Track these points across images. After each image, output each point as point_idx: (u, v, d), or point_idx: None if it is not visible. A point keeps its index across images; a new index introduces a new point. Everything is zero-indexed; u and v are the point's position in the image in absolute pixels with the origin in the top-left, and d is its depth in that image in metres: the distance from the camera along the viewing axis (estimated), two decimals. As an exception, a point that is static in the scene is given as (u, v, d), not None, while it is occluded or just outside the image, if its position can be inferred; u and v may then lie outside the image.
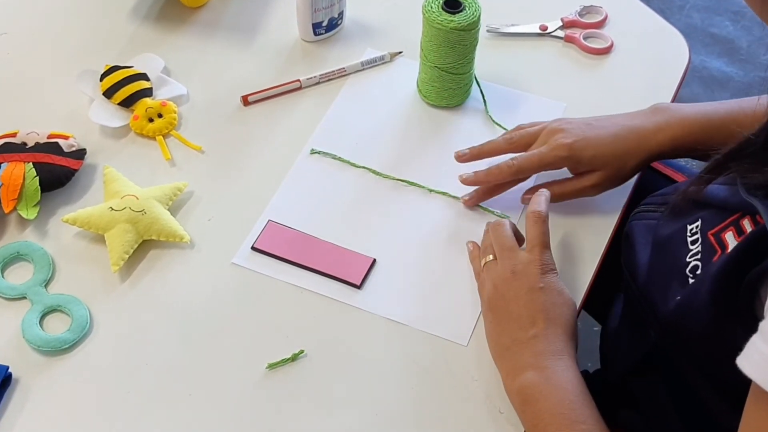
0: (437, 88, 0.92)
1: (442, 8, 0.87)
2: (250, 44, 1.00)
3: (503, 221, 0.77)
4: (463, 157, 0.84)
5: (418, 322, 0.76)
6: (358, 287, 0.78)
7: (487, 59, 0.96)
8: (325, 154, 0.89)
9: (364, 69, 0.98)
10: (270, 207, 0.84)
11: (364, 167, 0.88)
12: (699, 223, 0.67)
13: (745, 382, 0.54)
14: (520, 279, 0.71)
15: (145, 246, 0.80)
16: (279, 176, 0.87)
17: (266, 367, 0.73)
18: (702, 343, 0.62)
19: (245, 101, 0.93)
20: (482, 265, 0.75)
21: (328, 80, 0.96)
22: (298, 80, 0.95)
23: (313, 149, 0.89)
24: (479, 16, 0.87)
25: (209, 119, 0.92)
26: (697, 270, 0.64)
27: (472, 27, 0.87)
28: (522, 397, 0.68)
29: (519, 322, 0.70)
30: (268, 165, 0.88)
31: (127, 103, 0.90)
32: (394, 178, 0.87)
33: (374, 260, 0.80)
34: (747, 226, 0.62)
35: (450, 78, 0.91)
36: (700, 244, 0.66)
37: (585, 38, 1.01)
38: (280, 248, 0.80)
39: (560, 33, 1.02)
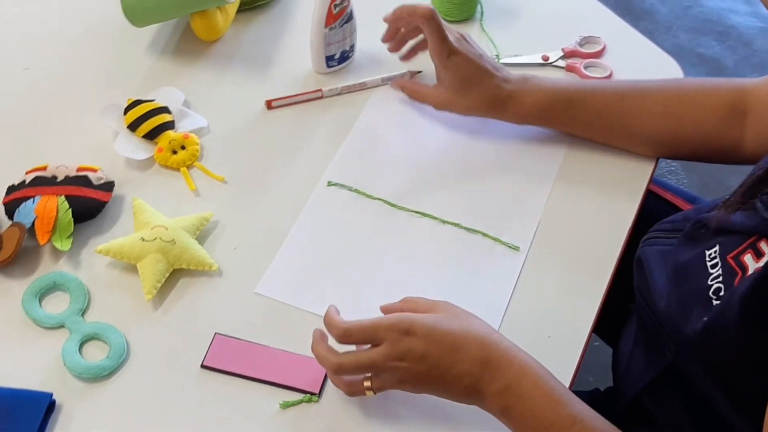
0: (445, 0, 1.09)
1: None
2: (265, 76, 1.04)
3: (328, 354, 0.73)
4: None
5: None
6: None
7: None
8: (342, 186, 0.93)
9: (384, 84, 1.03)
10: (289, 239, 0.88)
11: (379, 199, 0.92)
12: (717, 248, 0.71)
13: (763, 395, 0.59)
14: (425, 356, 0.69)
15: (176, 274, 0.84)
16: (298, 206, 0.91)
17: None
18: (729, 359, 0.66)
19: (269, 105, 1.00)
20: (369, 385, 0.72)
21: (349, 92, 1.02)
22: (320, 90, 1.01)
23: (330, 181, 0.93)
24: None
25: (230, 150, 0.96)
26: (720, 292, 0.68)
27: None
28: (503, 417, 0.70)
29: (459, 370, 0.69)
30: (288, 195, 0.92)
31: (151, 135, 0.94)
32: (408, 210, 0.91)
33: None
34: (764, 247, 0.66)
35: None
36: (720, 267, 0.69)
37: (585, 67, 1.06)
38: (230, 363, 0.78)
39: (561, 63, 1.07)
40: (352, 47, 1.05)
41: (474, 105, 0.94)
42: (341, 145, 0.97)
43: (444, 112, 0.97)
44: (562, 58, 1.08)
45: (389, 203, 0.91)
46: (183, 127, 0.96)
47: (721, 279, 0.68)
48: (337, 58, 1.04)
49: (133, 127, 0.94)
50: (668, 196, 1.00)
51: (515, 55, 1.07)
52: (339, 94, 1.02)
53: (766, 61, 2.22)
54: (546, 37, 1.09)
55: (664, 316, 0.74)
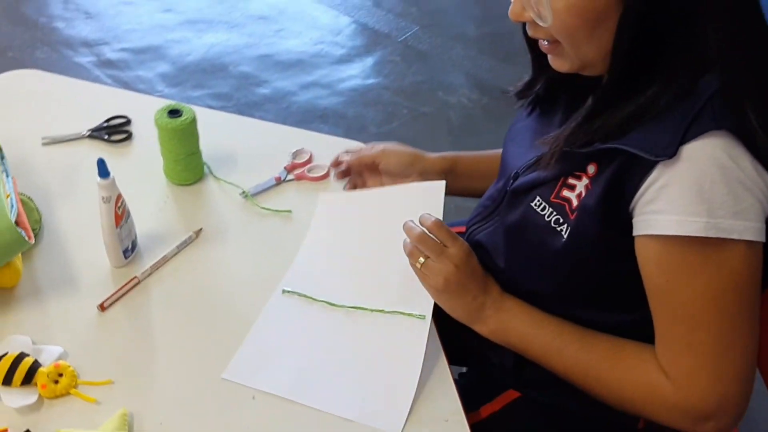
0: (179, 170, 1.32)
1: (167, 116, 1.28)
2: (77, 288, 1.17)
3: (415, 227, 1.05)
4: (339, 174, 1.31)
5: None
6: None
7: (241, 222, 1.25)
8: (293, 293, 1.11)
9: (179, 251, 1.23)
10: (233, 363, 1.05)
11: (322, 301, 1.13)
12: (538, 198, 0.96)
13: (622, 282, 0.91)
14: (462, 269, 1.01)
15: (135, 467, 0.96)
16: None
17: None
18: (590, 264, 0.92)
19: (102, 308, 1.13)
20: (419, 266, 1.02)
21: (157, 269, 1.20)
22: (136, 277, 1.18)
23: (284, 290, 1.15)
24: (194, 116, 1.29)
25: (98, 357, 1.08)
26: (560, 220, 0.92)
27: (191, 124, 1.29)
28: (500, 334, 1.02)
29: (473, 294, 1.02)
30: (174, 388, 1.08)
31: (27, 380, 1.02)
32: (345, 306, 1.12)
33: None
34: (571, 180, 0.91)
35: (185, 161, 1.30)
36: (549, 207, 0.94)
37: (309, 171, 1.37)
38: None
39: (291, 177, 1.36)
40: (136, 235, 1.22)
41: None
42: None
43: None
44: (288, 173, 1.37)
45: (330, 303, 1.14)
46: (47, 362, 1.06)
47: (555, 214, 0.94)
48: (131, 249, 1.21)
49: (7, 382, 1.02)
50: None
51: (257, 185, 1.33)
52: (150, 274, 1.19)
53: (364, 125, 2.74)
54: (265, 164, 1.37)
55: (506, 270, 1.03)
